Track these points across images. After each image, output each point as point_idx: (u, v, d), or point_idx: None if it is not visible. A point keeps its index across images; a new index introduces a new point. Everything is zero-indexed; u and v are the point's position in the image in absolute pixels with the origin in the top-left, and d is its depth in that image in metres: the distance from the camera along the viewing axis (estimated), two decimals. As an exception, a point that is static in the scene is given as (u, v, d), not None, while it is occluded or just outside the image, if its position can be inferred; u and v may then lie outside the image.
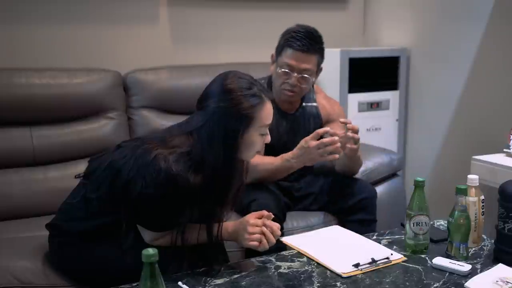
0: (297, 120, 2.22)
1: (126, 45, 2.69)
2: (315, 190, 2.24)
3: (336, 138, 1.90)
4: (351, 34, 3.26)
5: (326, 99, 2.31)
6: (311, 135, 1.93)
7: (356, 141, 1.97)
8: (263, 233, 1.55)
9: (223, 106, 1.49)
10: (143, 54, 2.71)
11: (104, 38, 2.64)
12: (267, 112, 1.55)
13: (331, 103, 2.31)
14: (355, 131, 1.96)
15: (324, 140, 1.90)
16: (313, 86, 2.24)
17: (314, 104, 2.25)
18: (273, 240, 1.56)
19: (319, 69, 2.15)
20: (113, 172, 1.55)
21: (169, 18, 2.78)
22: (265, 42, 2.92)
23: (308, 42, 2.05)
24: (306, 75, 2.08)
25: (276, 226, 1.58)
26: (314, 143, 1.91)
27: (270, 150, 2.14)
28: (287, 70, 2.07)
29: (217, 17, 2.89)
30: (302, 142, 1.95)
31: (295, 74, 2.07)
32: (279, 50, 2.11)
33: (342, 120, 1.99)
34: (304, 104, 2.23)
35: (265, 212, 1.60)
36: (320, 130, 1.94)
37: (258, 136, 1.56)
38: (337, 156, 1.94)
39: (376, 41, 3.26)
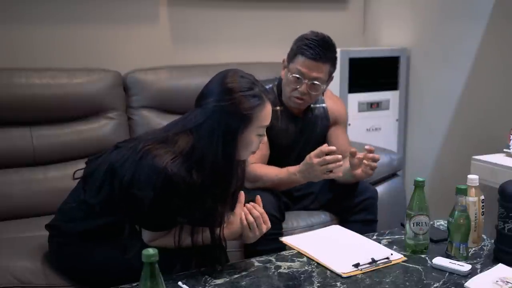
0: (305, 122, 2.22)
1: (126, 45, 2.69)
2: (315, 190, 2.24)
3: (339, 156, 1.88)
4: (351, 34, 3.26)
5: (332, 99, 2.31)
6: (315, 152, 1.90)
7: (373, 168, 1.95)
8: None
9: (223, 105, 1.49)
10: (143, 54, 2.71)
11: (104, 38, 2.63)
12: (266, 113, 1.55)
13: (338, 104, 2.31)
14: (375, 160, 1.94)
15: (327, 157, 1.87)
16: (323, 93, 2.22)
17: (323, 105, 2.25)
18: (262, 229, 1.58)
19: (330, 78, 2.13)
20: (112, 175, 1.54)
21: (169, 18, 2.78)
22: (265, 42, 2.94)
23: (320, 50, 2.03)
24: (317, 82, 2.06)
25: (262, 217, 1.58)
26: (317, 160, 1.88)
27: (279, 150, 2.15)
28: (298, 76, 2.05)
29: (217, 17, 2.89)
30: (307, 158, 1.93)
31: (306, 81, 2.05)
32: (291, 56, 2.09)
33: (367, 147, 1.95)
34: (312, 106, 2.23)
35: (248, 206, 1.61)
36: (325, 148, 1.89)
37: (255, 137, 1.56)
38: (340, 173, 1.91)
39: (376, 41, 3.26)
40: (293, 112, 2.19)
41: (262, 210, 1.59)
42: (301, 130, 2.21)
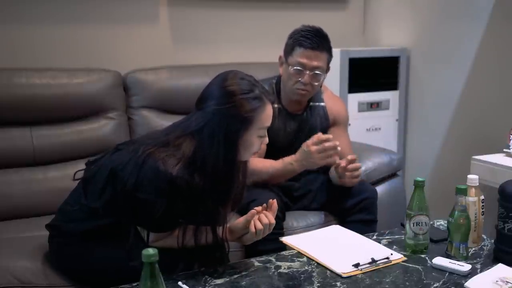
0: (304, 121, 2.23)
1: (126, 45, 2.69)
2: (314, 188, 2.24)
3: (337, 142, 1.95)
4: (351, 34, 3.26)
5: (332, 99, 2.31)
6: (312, 140, 1.97)
7: (356, 176, 2.03)
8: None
9: (223, 108, 1.49)
10: (143, 54, 2.71)
11: (104, 38, 2.64)
12: (267, 115, 1.55)
13: (337, 104, 2.32)
14: (357, 169, 2.02)
15: (326, 144, 1.94)
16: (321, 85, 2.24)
17: (322, 104, 2.26)
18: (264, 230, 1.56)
19: (328, 68, 2.16)
20: (114, 179, 1.54)
21: (169, 18, 2.78)
22: (265, 42, 2.94)
23: (318, 40, 2.07)
24: (318, 72, 2.08)
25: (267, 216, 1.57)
26: (315, 147, 1.95)
27: (277, 150, 2.14)
28: (299, 68, 2.07)
29: (217, 17, 2.89)
30: (304, 146, 1.99)
31: (307, 71, 2.07)
32: (289, 50, 2.11)
33: (350, 157, 2.02)
34: (311, 104, 2.24)
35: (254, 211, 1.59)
36: (323, 136, 1.96)
37: (256, 138, 1.56)
38: (337, 160, 1.99)
39: (376, 41, 3.26)
40: (291, 111, 2.20)
41: (273, 220, 1.57)
42: (299, 128, 2.21)
